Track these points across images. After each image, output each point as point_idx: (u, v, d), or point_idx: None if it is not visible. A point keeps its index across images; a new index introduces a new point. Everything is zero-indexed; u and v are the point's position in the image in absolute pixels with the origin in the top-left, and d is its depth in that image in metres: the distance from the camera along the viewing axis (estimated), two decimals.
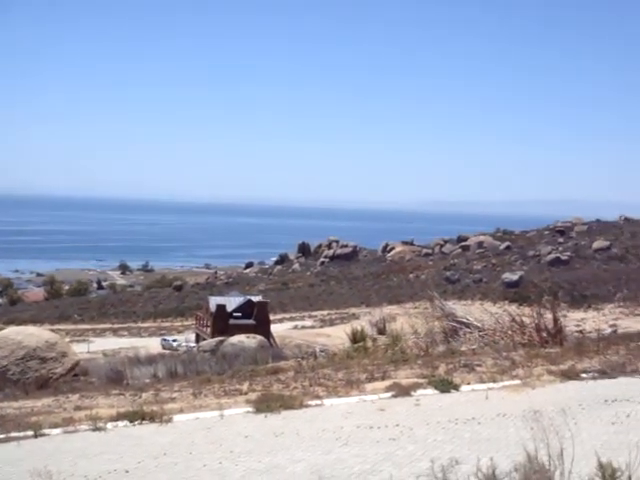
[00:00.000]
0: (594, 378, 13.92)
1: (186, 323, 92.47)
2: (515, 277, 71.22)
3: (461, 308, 27.10)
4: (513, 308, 36.78)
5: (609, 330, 35.56)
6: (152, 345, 65.66)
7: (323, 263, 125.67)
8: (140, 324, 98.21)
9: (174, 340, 72.62)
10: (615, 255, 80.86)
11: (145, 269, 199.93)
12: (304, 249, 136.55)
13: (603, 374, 14.06)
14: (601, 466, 8.26)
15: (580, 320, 47.84)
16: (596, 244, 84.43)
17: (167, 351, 51.47)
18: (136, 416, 11.65)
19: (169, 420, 11.60)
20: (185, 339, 72.42)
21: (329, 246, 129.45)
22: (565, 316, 48.96)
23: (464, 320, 19.42)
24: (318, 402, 12.47)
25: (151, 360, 21.56)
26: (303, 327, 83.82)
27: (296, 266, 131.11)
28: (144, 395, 14.21)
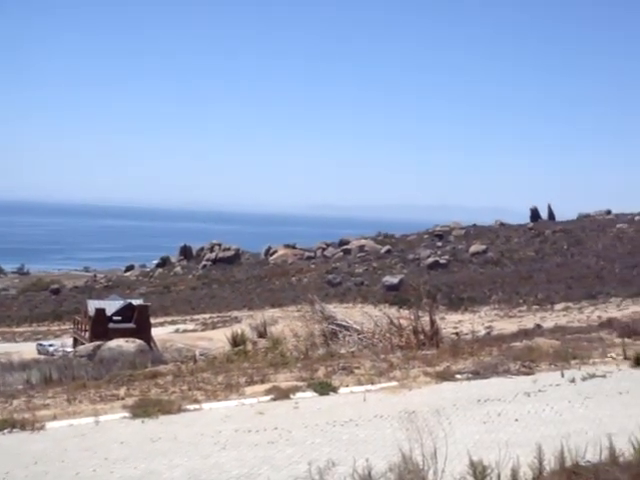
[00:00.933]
0: (468, 379, 14.31)
1: (64, 327, 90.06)
2: (395, 280, 72.54)
3: (341, 311, 27.42)
4: (393, 311, 37.47)
5: (484, 332, 36.62)
6: (27, 350, 63.54)
7: (205, 266, 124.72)
8: (15, 329, 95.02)
9: (50, 345, 70.53)
10: (491, 259, 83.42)
11: (20, 272, 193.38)
12: (186, 252, 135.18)
13: (477, 375, 14.47)
14: (472, 464, 8.49)
15: (457, 322, 49.13)
16: (473, 248, 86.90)
17: (43, 356, 50.00)
18: (6, 424, 11.26)
19: (41, 427, 11.26)
20: (61, 344, 70.46)
21: (211, 249, 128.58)
22: (443, 318, 50.20)
23: (344, 323, 19.63)
24: (197, 406, 12.36)
25: (24, 366, 20.91)
26: (185, 331, 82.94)
27: (178, 269, 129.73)
28: (15, 402, 13.75)
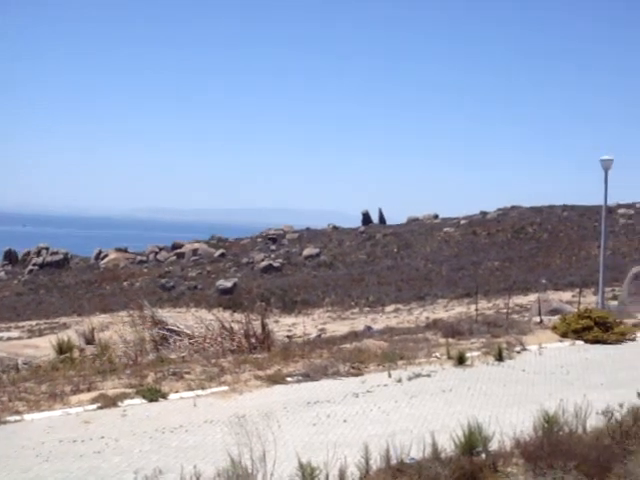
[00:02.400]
0: (299, 381, 14.43)
1: None
2: (229, 284, 72.25)
3: (174, 316, 27.02)
4: (227, 315, 37.26)
5: (315, 334, 37.07)
6: None
7: (32, 271, 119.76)
8: None
9: None
10: (324, 262, 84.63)
11: None
12: (11, 256, 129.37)
13: (307, 377, 14.61)
14: (301, 466, 8.55)
15: (291, 325, 49.41)
16: (306, 251, 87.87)
17: None
18: None
19: None
20: None
21: (38, 253, 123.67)
22: (277, 321, 50.38)
23: (174, 328, 19.35)
24: (18, 417, 11.82)
25: None
26: (9, 338, 79.28)
27: (2, 274, 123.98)
28: None
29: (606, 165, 26.16)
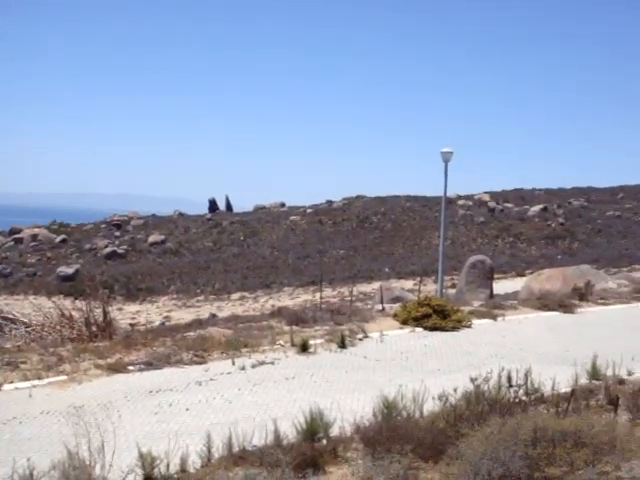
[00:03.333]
0: (141, 370, 14.17)
1: None
2: (71, 271, 70.24)
3: (9, 303, 25.97)
4: (68, 302, 36.18)
5: (160, 322, 36.59)
6: None
7: None
8: None
9: None
10: (169, 249, 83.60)
11: None
12: None
13: (150, 366, 14.37)
14: (141, 456, 8.42)
15: (135, 313, 48.63)
16: (152, 238, 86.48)
17: None
18: None
19: None
20: None
21: None
22: (121, 309, 49.46)
23: (10, 316, 18.60)
24: None
25: None
26: None
27: None
28: None
29: (446, 157, 27.05)
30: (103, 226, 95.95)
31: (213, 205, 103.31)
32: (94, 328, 17.62)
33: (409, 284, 47.33)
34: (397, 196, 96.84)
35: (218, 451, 9.01)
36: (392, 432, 8.83)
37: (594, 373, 13.78)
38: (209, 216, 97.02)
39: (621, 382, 13.24)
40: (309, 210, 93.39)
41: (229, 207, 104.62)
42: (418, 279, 38.21)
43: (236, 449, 9.04)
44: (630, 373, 13.99)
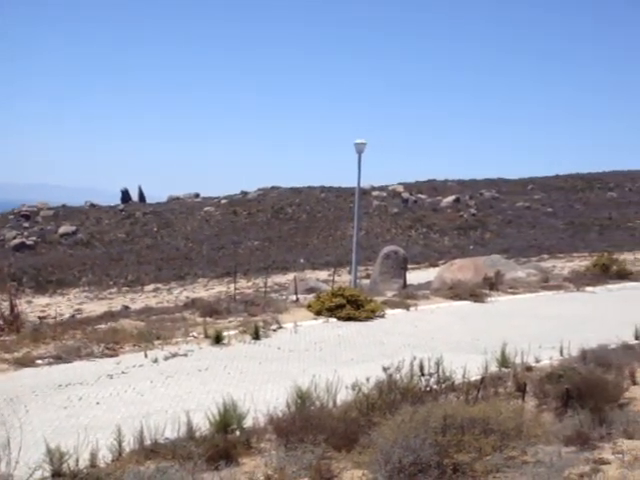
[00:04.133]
0: (49, 364, 13.87)
1: None
2: None
3: None
4: None
5: (70, 315, 35.84)
6: None
7: None
8: None
9: None
10: (81, 240, 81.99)
11: None
12: None
13: (59, 359, 14.08)
14: (49, 451, 8.23)
15: (45, 306, 47.47)
16: (62, 229, 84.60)
17: None
18: None
19: None
20: None
21: None
22: (30, 302, 48.18)
23: None
24: None
25: None
26: None
27: None
28: None
29: (359, 148, 27.21)
30: (11, 217, 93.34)
31: (126, 196, 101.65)
32: (1, 322, 17.15)
33: (324, 275, 47.47)
34: (312, 187, 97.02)
35: (129, 445, 8.89)
36: (305, 422, 8.84)
37: (503, 361, 14.09)
38: (121, 207, 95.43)
39: (529, 369, 13.58)
40: (224, 201, 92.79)
41: (142, 198, 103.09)
42: (332, 270, 38.39)
43: (148, 442, 8.93)
44: (538, 360, 14.36)
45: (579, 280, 27.58)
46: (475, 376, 11.83)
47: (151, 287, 53.51)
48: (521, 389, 11.02)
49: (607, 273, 28.65)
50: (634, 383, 12.01)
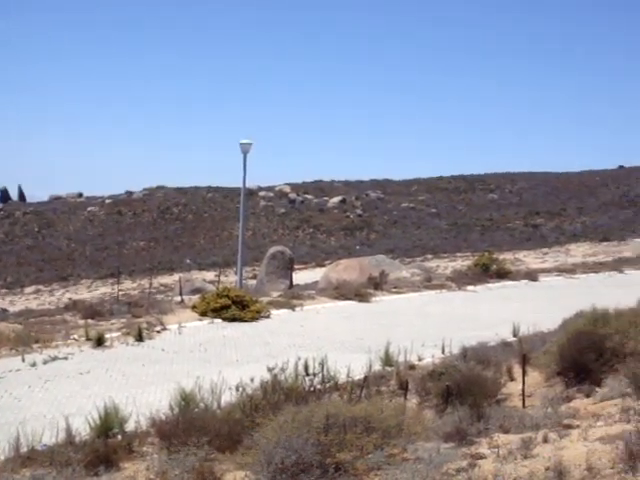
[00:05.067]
0: None
1: None
2: None
3: None
4: None
5: None
6: None
7: None
8: None
9: None
10: None
11: None
12: None
13: None
14: None
15: None
16: None
17: None
18: None
19: None
20: None
21: None
22: None
23: None
24: None
25: None
26: None
27: None
28: None
29: (245, 149, 27.11)
30: None
31: (5, 195, 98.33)
32: None
33: (211, 275, 47.14)
34: (198, 187, 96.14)
35: (4, 452, 8.60)
36: (189, 425, 8.74)
37: (387, 360, 14.32)
38: (0, 206, 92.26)
39: (412, 367, 13.85)
40: (108, 201, 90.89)
41: (22, 197, 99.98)
42: (219, 270, 38.17)
43: (24, 449, 8.65)
44: (420, 359, 14.65)
45: (461, 279, 28.26)
46: (359, 375, 11.98)
47: (32, 289, 51.96)
48: (403, 387, 11.20)
49: (487, 272, 29.46)
50: (511, 379, 12.39)
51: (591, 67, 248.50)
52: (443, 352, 15.11)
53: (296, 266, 37.75)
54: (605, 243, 66.81)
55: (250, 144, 27.21)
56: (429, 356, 14.74)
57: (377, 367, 13.67)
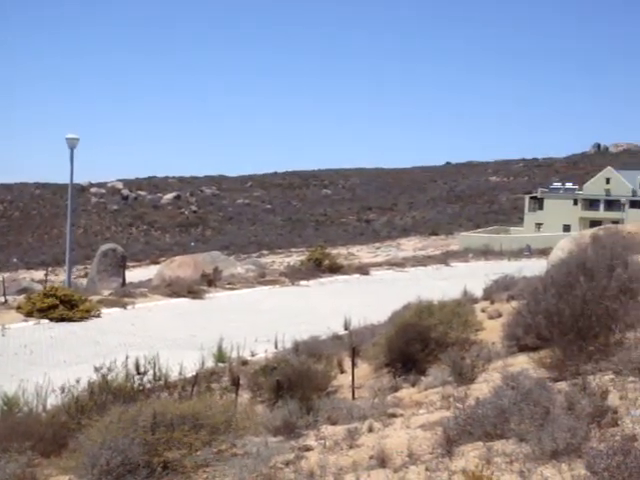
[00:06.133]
0: None
1: None
2: None
3: None
4: None
5: None
6: None
7: None
8: None
9: None
10: None
11: None
12: None
13: None
14: None
15: None
16: None
17: None
18: None
19: None
20: None
21: None
22: None
23: None
24: None
25: None
26: None
27: None
28: None
29: (71, 144, 26.24)
30: None
31: None
32: None
33: (40, 274, 45.48)
34: (25, 183, 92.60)
35: None
36: (11, 430, 8.40)
37: (220, 356, 14.30)
38: None
39: (245, 363, 13.88)
40: None
41: None
42: (47, 269, 36.86)
43: None
44: (253, 354, 14.71)
45: (294, 274, 28.59)
46: (191, 372, 11.90)
47: None
48: (235, 383, 11.21)
49: (320, 267, 29.94)
50: (342, 372, 12.64)
51: (413, 67, 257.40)
52: (276, 347, 15.24)
53: (130, 264, 37.05)
54: (434, 237, 69.51)
55: (77, 139, 26.39)
56: (262, 351, 14.83)
57: (210, 364, 13.62)
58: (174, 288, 23.87)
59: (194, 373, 11.59)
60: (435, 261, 37.36)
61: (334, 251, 43.78)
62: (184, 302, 22.57)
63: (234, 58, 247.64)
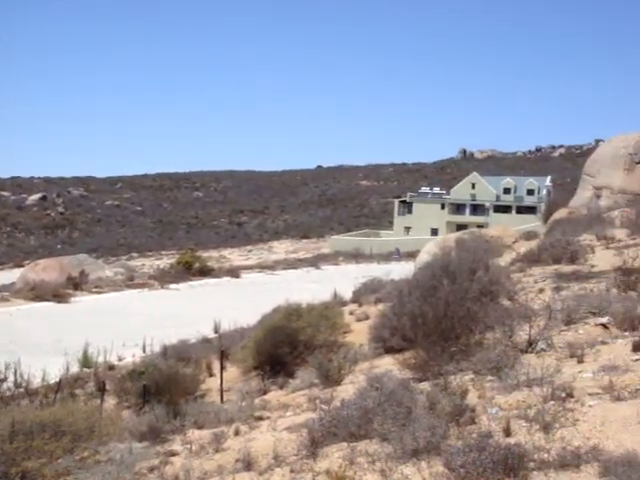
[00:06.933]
0: None
1: None
2: None
3: None
4: None
5: None
6: None
7: None
8: None
9: None
10: None
11: None
12: None
13: None
14: None
15: None
16: None
17: None
18: None
19: None
20: None
21: None
22: None
23: None
24: None
25: None
26: None
27: None
28: None
29: None
30: None
31: None
32: None
33: None
34: None
35: None
36: None
37: (85, 361, 13.96)
38: None
39: (111, 368, 13.60)
40: None
41: None
42: None
43: None
44: (121, 358, 14.45)
45: (163, 278, 28.25)
46: (55, 378, 11.57)
47: None
48: (101, 388, 10.98)
49: (190, 270, 29.69)
50: (211, 375, 12.58)
51: (283, 74, 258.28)
52: (144, 351, 15.03)
53: None
54: (305, 240, 69.96)
55: None
56: (130, 355, 14.59)
57: (75, 369, 13.29)
58: (38, 292, 23.15)
59: (58, 379, 11.27)
60: (306, 264, 37.70)
61: (205, 254, 43.48)
62: (49, 306, 21.92)
63: (90, 58, 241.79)
